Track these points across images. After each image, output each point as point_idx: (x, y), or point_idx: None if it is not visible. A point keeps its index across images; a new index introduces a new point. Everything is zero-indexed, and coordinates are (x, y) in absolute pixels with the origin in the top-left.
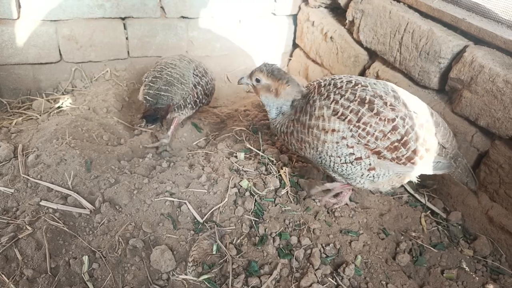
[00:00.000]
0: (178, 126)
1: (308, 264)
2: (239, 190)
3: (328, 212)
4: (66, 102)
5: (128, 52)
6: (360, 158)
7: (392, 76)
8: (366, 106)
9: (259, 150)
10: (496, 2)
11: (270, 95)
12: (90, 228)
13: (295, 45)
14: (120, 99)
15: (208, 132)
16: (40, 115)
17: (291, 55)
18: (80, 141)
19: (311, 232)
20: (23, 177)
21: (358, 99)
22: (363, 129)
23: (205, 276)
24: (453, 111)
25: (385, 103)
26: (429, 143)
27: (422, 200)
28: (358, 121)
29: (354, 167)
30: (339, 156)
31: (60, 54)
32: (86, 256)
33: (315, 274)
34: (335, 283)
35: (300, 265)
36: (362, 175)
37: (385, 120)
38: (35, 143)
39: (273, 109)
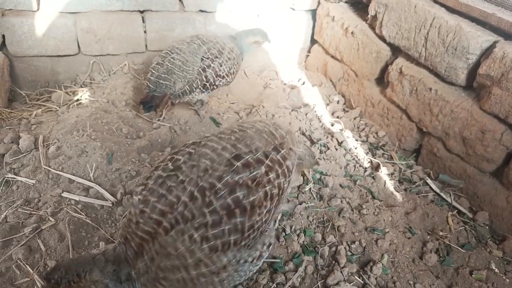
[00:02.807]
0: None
1: (334, 261)
2: None
3: (352, 210)
4: (85, 94)
5: (146, 45)
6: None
7: (417, 72)
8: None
9: None
10: None
11: None
12: (112, 220)
13: (313, 41)
14: (138, 93)
15: (226, 127)
16: (59, 107)
17: (309, 51)
18: (100, 133)
19: (336, 229)
20: (44, 168)
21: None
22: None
23: None
24: (481, 108)
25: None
26: None
27: (448, 199)
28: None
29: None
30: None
31: (79, 47)
32: None
33: (341, 272)
34: (362, 282)
35: (325, 263)
36: None
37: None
38: (55, 134)
39: None
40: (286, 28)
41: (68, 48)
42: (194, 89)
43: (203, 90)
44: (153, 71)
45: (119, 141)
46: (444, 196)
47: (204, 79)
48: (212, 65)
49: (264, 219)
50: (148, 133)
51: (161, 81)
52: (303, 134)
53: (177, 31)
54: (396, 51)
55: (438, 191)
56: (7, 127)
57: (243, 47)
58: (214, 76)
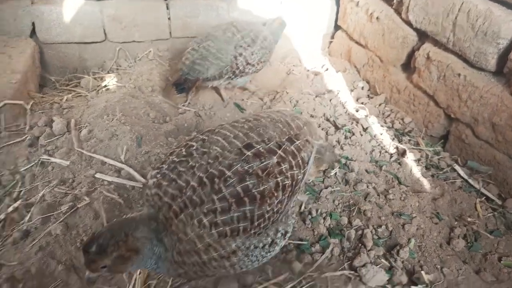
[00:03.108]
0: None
1: (360, 244)
2: None
3: (378, 195)
4: (112, 80)
5: (170, 32)
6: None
7: (445, 58)
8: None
9: None
10: None
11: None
12: (143, 201)
13: (337, 27)
14: (163, 79)
15: (250, 113)
16: (88, 92)
17: (332, 37)
18: (129, 117)
19: (362, 213)
20: (77, 150)
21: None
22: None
23: None
24: None
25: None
26: None
27: (476, 186)
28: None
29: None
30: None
31: (105, 34)
32: None
33: (367, 255)
34: (389, 265)
35: (352, 245)
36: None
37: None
38: (86, 118)
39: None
40: (309, 14)
41: (94, 35)
42: (224, 75)
43: (232, 76)
44: (188, 56)
45: (147, 125)
46: (472, 182)
47: (235, 66)
48: (244, 53)
49: (275, 209)
50: (174, 118)
51: (195, 66)
52: (328, 120)
53: (201, 18)
54: (423, 36)
55: (466, 177)
56: (40, 111)
57: (274, 34)
58: (244, 64)
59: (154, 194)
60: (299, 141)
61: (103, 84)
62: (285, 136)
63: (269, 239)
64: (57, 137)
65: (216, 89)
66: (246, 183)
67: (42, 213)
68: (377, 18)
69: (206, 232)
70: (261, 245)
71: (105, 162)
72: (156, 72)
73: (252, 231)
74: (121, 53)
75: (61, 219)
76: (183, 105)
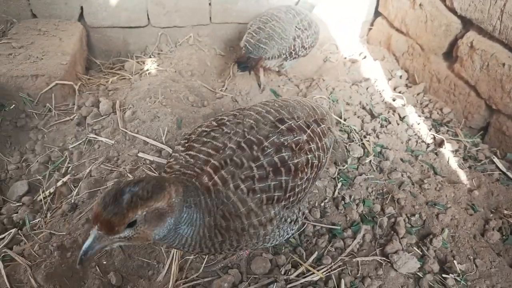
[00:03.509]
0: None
1: (392, 232)
2: None
3: (412, 184)
4: (154, 64)
5: (210, 18)
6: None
7: (489, 47)
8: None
9: (341, 118)
10: None
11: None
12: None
13: (377, 14)
14: (203, 64)
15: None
16: (132, 76)
17: (372, 24)
18: (170, 100)
19: (395, 201)
20: (122, 130)
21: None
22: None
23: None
24: None
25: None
26: None
27: None
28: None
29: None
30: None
31: (148, 19)
32: None
33: (400, 242)
34: (421, 253)
35: (384, 233)
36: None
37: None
38: (130, 100)
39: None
40: (348, 0)
41: (138, 20)
42: (282, 55)
43: (288, 57)
44: (254, 35)
45: (186, 108)
46: (510, 175)
47: (292, 47)
48: (301, 35)
49: (303, 186)
50: (212, 102)
51: (261, 45)
52: (363, 108)
53: (240, 4)
54: (467, 24)
55: (504, 170)
56: (87, 92)
57: None
58: (300, 46)
59: (184, 155)
60: (323, 125)
61: (145, 68)
62: (312, 118)
63: (294, 216)
64: (103, 117)
65: (256, 73)
66: (282, 154)
67: (89, 188)
68: (420, 4)
69: (248, 197)
70: (289, 220)
71: (147, 142)
72: (195, 57)
73: (283, 203)
74: (163, 37)
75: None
76: (221, 90)
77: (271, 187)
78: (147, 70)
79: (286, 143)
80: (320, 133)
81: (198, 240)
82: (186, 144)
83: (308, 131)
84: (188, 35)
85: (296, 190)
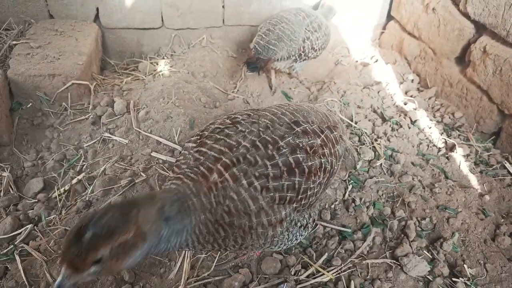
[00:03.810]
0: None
1: (403, 235)
2: None
3: (423, 188)
4: (167, 65)
5: (223, 20)
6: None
7: (503, 51)
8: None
9: (352, 121)
10: None
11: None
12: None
13: (389, 17)
14: (215, 66)
15: (297, 102)
16: (145, 76)
17: (384, 28)
18: (182, 101)
19: (406, 205)
20: (136, 130)
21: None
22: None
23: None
24: None
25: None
26: None
27: None
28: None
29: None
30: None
31: (162, 20)
32: None
33: (410, 245)
34: (431, 257)
35: (394, 235)
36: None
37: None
38: (144, 100)
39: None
40: (361, 4)
41: (152, 22)
42: (291, 57)
43: (297, 59)
44: (264, 36)
45: (199, 109)
46: None
47: (301, 49)
48: (311, 37)
49: (315, 190)
50: (224, 104)
51: (270, 46)
52: (375, 111)
53: (253, 7)
54: (480, 28)
55: None
56: (102, 92)
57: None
58: (309, 48)
59: (194, 152)
60: (336, 132)
61: (158, 69)
62: (325, 124)
63: (305, 221)
64: (118, 117)
65: (267, 75)
66: (297, 155)
67: (103, 186)
68: (433, 9)
69: (260, 194)
70: (299, 224)
71: (160, 142)
72: (208, 58)
73: (295, 204)
74: (176, 39)
75: (121, 192)
76: (233, 92)
77: (284, 187)
78: (161, 71)
79: (301, 145)
80: (333, 140)
81: (195, 239)
82: (198, 141)
83: (322, 136)
84: (201, 37)
85: (309, 193)
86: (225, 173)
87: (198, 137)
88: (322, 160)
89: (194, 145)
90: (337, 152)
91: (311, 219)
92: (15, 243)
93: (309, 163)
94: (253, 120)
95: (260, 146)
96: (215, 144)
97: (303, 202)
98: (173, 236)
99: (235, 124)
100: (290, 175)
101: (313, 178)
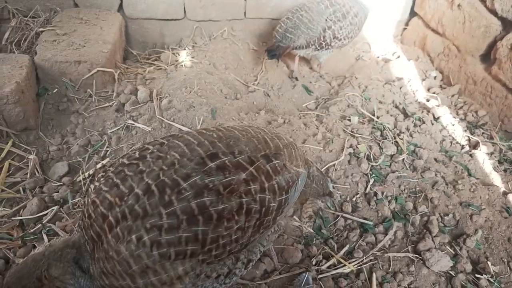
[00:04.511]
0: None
1: (425, 230)
2: (354, 151)
3: (446, 184)
4: (188, 56)
5: (244, 13)
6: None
7: None
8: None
9: (373, 115)
10: None
11: None
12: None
13: (412, 13)
14: (236, 58)
15: (318, 96)
16: (167, 66)
17: (406, 24)
18: (204, 91)
19: (428, 200)
20: (158, 118)
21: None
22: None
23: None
24: None
25: None
26: None
27: None
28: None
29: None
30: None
31: (185, 12)
32: None
33: (432, 240)
34: (453, 252)
35: (416, 230)
36: None
37: None
38: (166, 89)
39: None
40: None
41: (175, 13)
42: (310, 46)
43: (318, 48)
44: (282, 24)
45: (221, 100)
46: None
47: (322, 38)
48: (333, 27)
49: (233, 237)
50: (245, 96)
51: (287, 34)
52: (397, 107)
53: (275, 0)
54: (507, 25)
55: None
56: (126, 80)
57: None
58: (332, 38)
59: (91, 203)
60: (277, 161)
61: (180, 60)
62: (260, 152)
63: (226, 269)
64: (141, 104)
65: (291, 61)
66: (203, 199)
67: None
68: (458, 5)
69: (146, 252)
70: (214, 275)
71: (183, 130)
72: (229, 51)
73: (201, 257)
74: (197, 31)
75: None
76: (253, 84)
77: (182, 239)
78: (182, 61)
79: (211, 185)
80: (270, 171)
81: None
82: (102, 179)
83: (251, 168)
84: (222, 29)
85: (221, 242)
86: (109, 235)
87: (104, 173)
88: (244, 200)
89: (96, 184)
90: (275, 185)
91: (239, 263)
92: (43, 222)
93: (220, 207)
94: (160, 154)
95: (156, 192)
96: (108, 193)
97: (214, 253)
98: None
99: (141, 159)
100: (190, 224)
101: (226, 224)
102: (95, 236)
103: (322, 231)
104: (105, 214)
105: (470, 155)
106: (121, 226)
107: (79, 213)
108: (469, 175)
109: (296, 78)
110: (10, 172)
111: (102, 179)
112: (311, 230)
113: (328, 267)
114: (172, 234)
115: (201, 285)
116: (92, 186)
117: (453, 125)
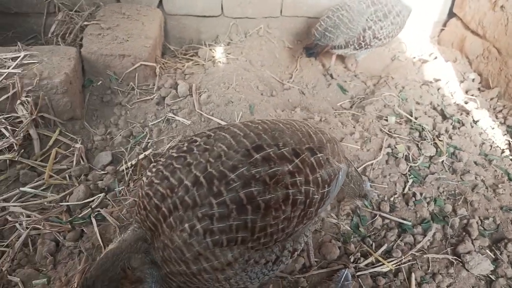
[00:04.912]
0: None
1: (464, 233)
2: (392, 151)
3: (486, 188)
4: (225, 53)
5: (281, 11)
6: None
7: None
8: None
9: (411, 116)
10: None
11: None
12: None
13: (451, 14)
14: (272, 55)
15: (353, 95)
16: (205, 62)
17: (444, 25)
18: (242, 87)
19: (468, 203)
20: (198, 112)
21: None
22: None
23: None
24: None
25: None
26: None
27: None
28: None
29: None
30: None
31: (222, 9)
32: None
33: (472, 243)
34: (494, 257)
35: (455, 233)
36: None
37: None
38: (205, 85)
39: None
40: (421, 0)
41: (212, 10)
42: (349, 46)
43: (357, 47)
44: (322, 23)
45: (257, 96)
46: None
47: (361, 38)
48: (373, 27)
49: (280, 226)
50: (280, 93)
51: (327, 33)
52: (435, 108)
53: None
54: None
55: None
56: (166, 75)
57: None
58: (371, 37)
59: (145, 195)
60: (321, 155)
61: (217, 56)
62: (305, 145)
63: (273, 256)
64: (181, 98)
65: (326, 60)
66: (251, 189)
67: None
68: (501, 6)
69: (198, 239)
70: (263, 261)
71: (228, 123)
72: (265, 48)
73: (250, 244)
74: (234, 28)
75: None
76: (288, 82)
77: (233, 227)
78: (219, 58)
79: (258, 176)
80: (314, 164)
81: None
82: (153, 171)
83: (296, 160)
84: (258, 27)
85: (269, 230)
86: (164, 225)
87: (154, 165)
88: (290, 191)
89: (149, 176)
90: (319, 178)
91: (285, 251)
92: (92, 206)
93: (267, 197)
94: (207, 146)
95: (204, 183)
96: (160, 185)
97: (262, 241)
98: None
99: (188, 151)
100: (240, 213)
101: (273, 213)
102: (152, 227)
103: (359, 229)
104: (159, 205)
105: (511, 159)
106: (174, 216)
107: (124, 201)
108: (509, 179)
109: (331, 75)
110: (56, 159)
111: (153, 170)
112: (349, 228)
113: (366, 265)
114: (223, 223)
115: (250, 270)
116: (144, 179)
117: (493, 128)
